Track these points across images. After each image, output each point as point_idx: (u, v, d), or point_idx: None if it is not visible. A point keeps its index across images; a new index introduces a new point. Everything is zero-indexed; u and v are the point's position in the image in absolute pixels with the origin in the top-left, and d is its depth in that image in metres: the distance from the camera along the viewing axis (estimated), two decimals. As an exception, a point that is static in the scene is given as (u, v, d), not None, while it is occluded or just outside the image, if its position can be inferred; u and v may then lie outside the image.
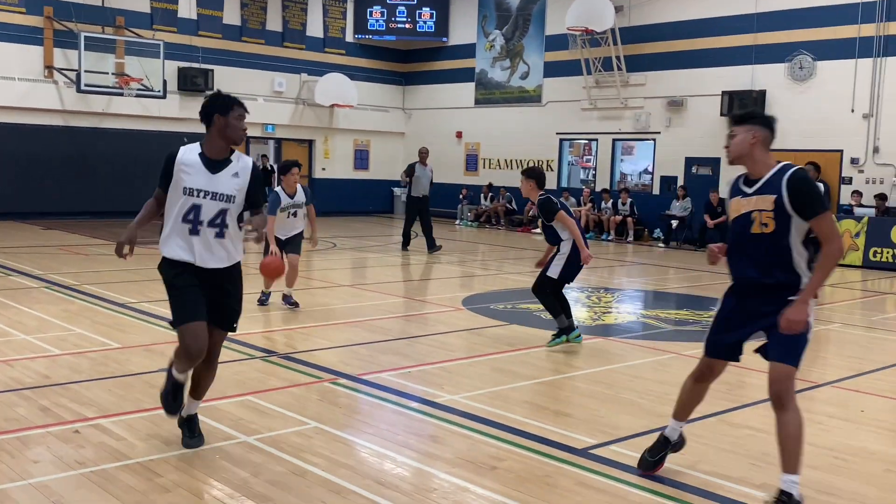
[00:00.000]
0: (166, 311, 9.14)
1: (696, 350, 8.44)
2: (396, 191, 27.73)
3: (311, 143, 26.42)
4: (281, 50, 25.19)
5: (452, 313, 10.09)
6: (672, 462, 4.99)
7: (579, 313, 10.96)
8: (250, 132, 25.28)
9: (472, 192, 25.60)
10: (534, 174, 8.18)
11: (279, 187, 9.43)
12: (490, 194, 24.95)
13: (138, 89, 21.21)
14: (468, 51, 26.20)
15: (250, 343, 7.89)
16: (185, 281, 4.68)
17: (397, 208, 27.63)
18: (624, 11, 21.69)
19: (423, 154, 17.05)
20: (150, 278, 11.90)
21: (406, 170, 17.09)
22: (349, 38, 26.73)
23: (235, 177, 4.70)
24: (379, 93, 27.48)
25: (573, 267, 8.01)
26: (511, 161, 25.16)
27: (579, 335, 8.14)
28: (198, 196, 4.63)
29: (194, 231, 4.64)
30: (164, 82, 21.62)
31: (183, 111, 22.80)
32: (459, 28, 26.48)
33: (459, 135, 26.44)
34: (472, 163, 26.46)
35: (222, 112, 4.65)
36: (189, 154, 4.70)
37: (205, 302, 4.69)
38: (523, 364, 7.50)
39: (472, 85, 26.15)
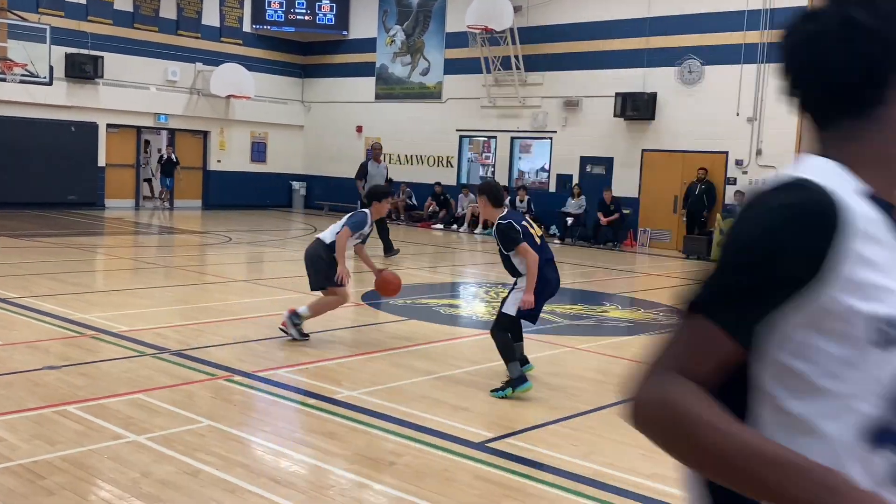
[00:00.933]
0: (54, 307, 8.84)
1: (590, 344, 8.73)
2: (295, 185, 27.38)
3: (206, 134, 25.77)
4: (175, 38, 24.46)
5: (351, 309, 10.03)
6: (566, 454, 5.12)
7: (476, 308, 11.11)
8: (140, 122, 24.63)
9: (372, 187, 25.42)
10: (485, 190, 6.76)
11: (369, 210, 8.11)
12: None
13: (22, 75, 20.21)
14: (369, 45, 26.08)
15: (140, 340, 7.66)
16: None
17: (295, 203, 27.27)
18: (522, 11, 22.00)
19: (377, 150, 15.94)
20: (34, 272, 11.41)
21: (357, 172, 15.66)
22: (247, 27, 26.20)
23: None
24: (277, 85, 27.04)
25: (536, 303, 6.56)
26: (412, 157, 25.18)
27: (530, 386, 6.45)
28: None
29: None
30: (51, 68, 20.70)
31: (70, 99, 21.88)
32: (360, 22, 26.33)
33: (360, 129, 26.30)
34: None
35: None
36: (858, 202, 1.26)
37: None
38: (421, 359, 7.53)
39: (372, 79, 26.04)
